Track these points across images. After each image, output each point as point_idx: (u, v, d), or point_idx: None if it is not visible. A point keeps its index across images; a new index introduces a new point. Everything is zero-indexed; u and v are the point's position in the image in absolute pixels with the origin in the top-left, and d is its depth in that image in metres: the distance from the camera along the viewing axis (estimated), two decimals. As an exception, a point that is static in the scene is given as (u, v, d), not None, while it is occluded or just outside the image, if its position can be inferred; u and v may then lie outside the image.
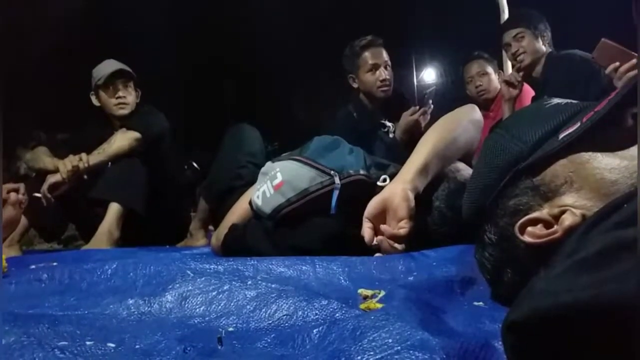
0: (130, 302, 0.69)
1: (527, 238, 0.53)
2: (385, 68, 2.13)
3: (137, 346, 0.52)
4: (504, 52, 2.56)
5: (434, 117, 1.75)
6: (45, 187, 1.78)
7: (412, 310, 0.52)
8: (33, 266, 0.95)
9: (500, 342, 0.37)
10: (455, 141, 1.04)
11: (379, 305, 0.60)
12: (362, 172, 1.07)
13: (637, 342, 0.26)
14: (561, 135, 0.54)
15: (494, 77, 2.63)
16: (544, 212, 0.53)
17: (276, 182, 1.08)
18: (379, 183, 1.03)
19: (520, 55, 2.15)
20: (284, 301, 0.64)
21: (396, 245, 0.92)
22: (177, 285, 0.72)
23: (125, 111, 2.06)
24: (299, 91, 8.45)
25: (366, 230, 0.95)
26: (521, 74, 2.18)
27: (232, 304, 0.67)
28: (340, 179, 1.05)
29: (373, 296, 0.67)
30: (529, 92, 2.34)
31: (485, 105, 2.57)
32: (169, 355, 0.49)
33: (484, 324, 0.53)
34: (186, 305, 0.68)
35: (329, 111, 2.49)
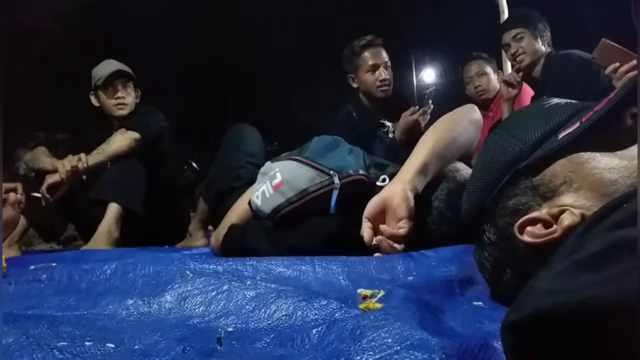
0: (130, 302, 0.69)
1: (526, 238, 0.53)
2: (385, 68, 2.12)
3: (137, 346, 0.52)
4: (503, 53, 2.56)
5: (434, 117, 1.75)
6: (44, 187, 1.77)
7: (411, 310, 0.52)
8: (32, 266, 0.94)
9: (499, 342, 0.37)
10: (454, 141, 1.04)
11: (378, 305, 0.60)
12: (361, 172, 1.07)
13: (637, 342, 0.25)
14: (560, 135, 0.54)
15: (493, 77, 2.62)
16: (543, 212, 0.53)
17: (275, 182, 1.08)
18: (378, 183, 1.03)
19: (520, 55, 2.15)
20: (283, 301, 0.64)
21: (395, 245, 0.92)
22: (177, 285, 0.72)
23: (124, 111, 2.06)
24: (299, 91, 8.45)
25: (365, 230, 0.95)
26: (520, 74, 2.18)
27: (231, 304, 0.67)
28: (340, 179, 1.05)
29: (372, 296, 0.67)
30: (528, 92, 2.34)
31: (485, 105, 2.56)
32: (168, 356, 0.49)
33: (484, 323, 0.53)
34: (185, 305, 0.68)
35: (328, 111, 2.49)
